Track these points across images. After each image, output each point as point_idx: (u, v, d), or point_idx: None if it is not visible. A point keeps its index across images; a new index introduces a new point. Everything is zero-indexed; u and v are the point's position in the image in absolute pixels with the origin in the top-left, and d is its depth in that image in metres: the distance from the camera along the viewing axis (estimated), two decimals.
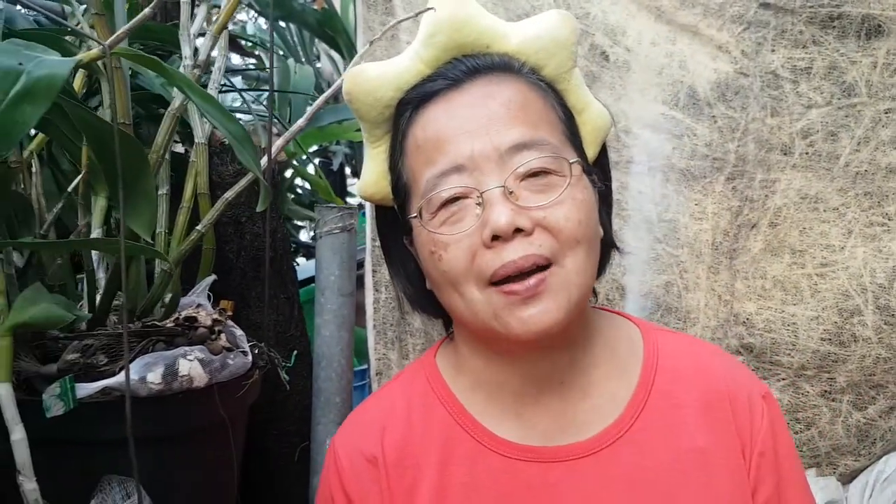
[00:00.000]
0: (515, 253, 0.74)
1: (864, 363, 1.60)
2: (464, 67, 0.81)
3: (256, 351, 1.05)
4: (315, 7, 2.06)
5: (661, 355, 0.89)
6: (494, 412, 0.86)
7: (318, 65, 2.60)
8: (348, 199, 2.73)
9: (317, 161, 2.54)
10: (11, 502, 0.88)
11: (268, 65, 1.95)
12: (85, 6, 1.13)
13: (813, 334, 1.62)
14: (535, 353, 0.83)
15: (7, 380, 0.78)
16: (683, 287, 1.69)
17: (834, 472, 1.70)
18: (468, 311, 0.79)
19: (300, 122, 1.01)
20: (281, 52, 2.39)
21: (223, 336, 0.99)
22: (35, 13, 1.23)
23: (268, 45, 2.33)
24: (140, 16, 0.74)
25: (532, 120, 0.79)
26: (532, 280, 0.74)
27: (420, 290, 0.89)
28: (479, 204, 0.75)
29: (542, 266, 0.75)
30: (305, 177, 1.87)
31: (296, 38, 2.52)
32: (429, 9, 0.83)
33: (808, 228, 1.61)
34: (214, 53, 1.12)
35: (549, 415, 0.85)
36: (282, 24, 2.32)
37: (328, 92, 1.05)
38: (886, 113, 1.56)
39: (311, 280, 1.51)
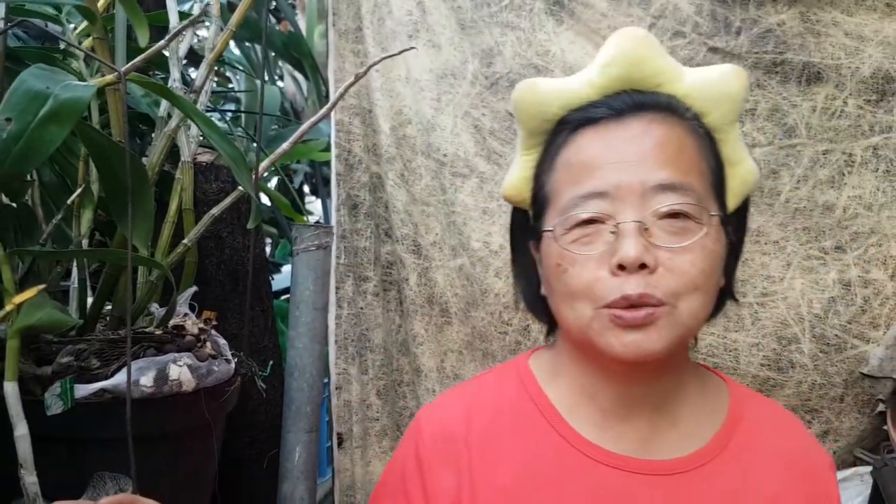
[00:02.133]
0: (634, 289, 0.79)
1: (800, 388, 1.76)
2: (629, 101, 0.85)
3: (236, 360, 1.14)
4: (280, 29, 2.16)
5: (745, 404, 0.95)
6: (582, 418, 0.92)
7: (281, 84, 2.70)
8: (307, 217, 2.83)
9: (274, 179, 2.64)
10: (10, 496, 0.96)
11: (235, 84, 2.05)
12: (74, 27, 1.22)
13: (753, 360, 1.77)
14: (629, 375, 0.88)
15: (14, 378, 0.86)
16: None
17: None
18: (576, 325, 0.85)
19: (285, 145, 1.12)
20: (244, 72, 2.49)
21: (208, 344, 1.08)
22: (25, 32, 1.31)
23: (236, 64, 2.43)
24: (156, 46, 0.84)
25: (684, 165, 0.83)
26: (641, 313, 0.79)
27: (535, 293, 0.95)
28: (613, 232, 0.80)
29: (655, 304, 0.80)
30: (268, 193, 1.97)
31: (260, 58, 2.62)
32: (411, 48, 0.94)
33: (749, 260, 1.77)
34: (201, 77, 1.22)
35: (635, 434, 0.90)
36: (247, 44, 2.42)
37: (321, 112, 1.16)
38: (824, 154, 1.73)
39: (278, 294, 1.60)
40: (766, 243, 1.76)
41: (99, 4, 1.12)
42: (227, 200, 1.10)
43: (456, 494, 0.92)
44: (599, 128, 0.86)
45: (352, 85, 1.02)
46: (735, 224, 0.92)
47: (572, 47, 1.81)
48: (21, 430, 0.86)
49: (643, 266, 0.79)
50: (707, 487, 0.88)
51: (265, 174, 2.35)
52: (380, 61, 1.08)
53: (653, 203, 0.81)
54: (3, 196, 0.95)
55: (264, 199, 1.95)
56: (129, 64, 0.84)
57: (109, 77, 0.86)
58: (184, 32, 1.28)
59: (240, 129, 2.19)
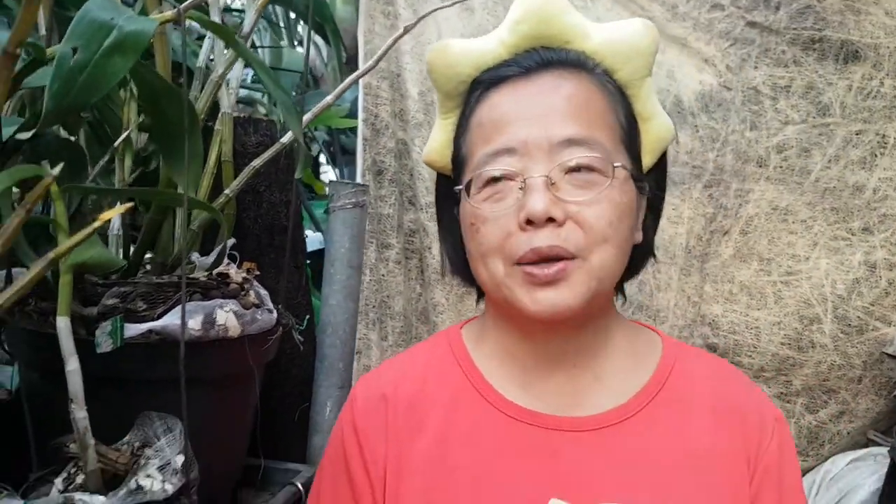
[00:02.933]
0: (543, 241, 0.81)
1: (819, 368, 1.78)
2: (538, 58, 0.87)
3: (279, 311, 1.16)
4: None
5: (678, 360, 0.95)
6: (505, 378, 0.94)
7: (300, 49, 2.70)
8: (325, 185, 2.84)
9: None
10: (40, 432, 0.97)
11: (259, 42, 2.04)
12: None
13: (774, 338, 1.79)
14: (547, 333, 0.90)
15: (66, 314, 0.87)
16: (655, 287, 1.85)
17: None
18: (491, 283, 0.87)
19: (328, 98, 1.12)
20: (267, 34, 2.48)
21: (252, 293, 1.09)
22: None
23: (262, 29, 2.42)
24: None
25: (590, 119, 0.84)
26: (553, 269, 0.81)
27: (462, 258, 0.96)
28: (521, 188, 0.82)
29: (566, 257, 0.82)
30: None
31: (281, 23, 2.62)
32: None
33: (776, 238, 1.78)
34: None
35: (556, 391, 0.92)
36: (269, 7, 2.40)
37: (360, 71, 1.16)
38: (857, 134, 1.74)
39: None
40: (793, 222, 1.77)
41: None
42: (270, 152, 1.10)
43: (385, 459, 0.93)
44: (509, 86, 0.87)
45: (395, 42, 1.03)
46: (654, 181, 0.94)
47: (609, 15, 1.81)
48: (72, 364, 0.87)
49: (551, 220, 0.81)
50: (632, 441, 0.88)
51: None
52: (421, 19, 1.08)
53: (559, 158, 0.82)
54: (61, 130, 0.96)
55: None
56: (189, 1, 0.84)
57: (169, 13, 0.86)
58: None
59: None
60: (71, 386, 0.87)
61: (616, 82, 0.89)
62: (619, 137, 0.88)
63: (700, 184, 1.81)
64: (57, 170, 0.67)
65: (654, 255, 1.00)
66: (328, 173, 2.66)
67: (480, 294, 1.01)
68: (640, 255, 0.96)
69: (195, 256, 1.12)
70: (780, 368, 1.80)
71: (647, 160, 0.92)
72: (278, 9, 2.45)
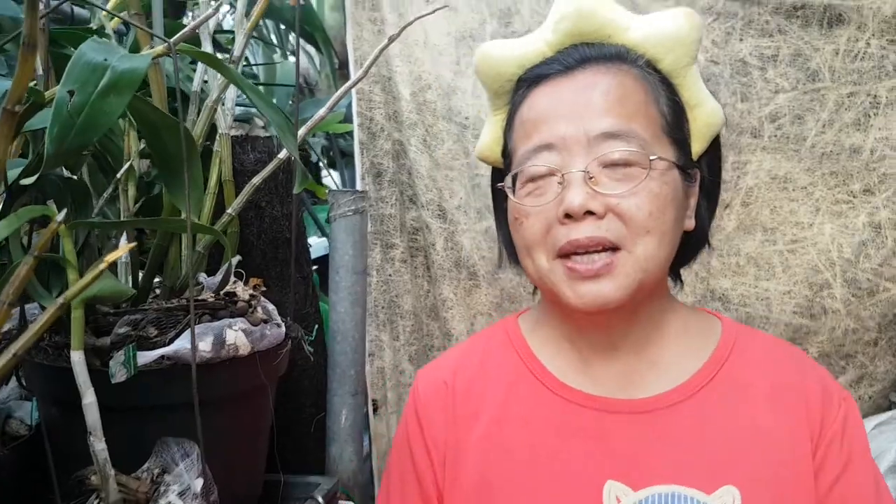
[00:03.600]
0: (582, 233, 0.85)
1: (833, 335, 1.80)
2: (577, 55, 0.91)
3: (287, 325, 1.19)
4: (290, 3, 2.19)
5: (738, 344, 0.97)
6: (562, 364, 0.98)
7: (293, 59, 2.73)
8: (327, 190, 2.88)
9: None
10: (63, 465, 1.01)
11: (252, 58, 2.07)
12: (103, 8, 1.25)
13: (785, 308, 1.81)
14: (596, 323, 0.94)
15: (80, 347, 0.91)
16: None
17: None
18: (536, 276, 0.92)
19: (321, 111, 1.15)
20: (259, 48, 2.52)
21: (259, 309, 1.13)
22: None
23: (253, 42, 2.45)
24: (201, 18, 0.88)
25: (627, 112, 0.87)
26: (597, 264, 0.85)
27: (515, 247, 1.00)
28: (560, 183, 0.86)
29: (610, 248, 0.86)
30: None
31: (273, 35, 2.65)
32: (444, 6, 0.97)
33: (778, 207, 1.80)
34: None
35: (613, 375, 0.95)
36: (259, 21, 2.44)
37: (350, 82, 1.18)
38: (849, 97, 1.76)
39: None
40: (793, 189, 1.79)
41: None
42: (269, 168, 1.14)
43: (446, 445, 0.99)
44: (550, 83, 0.92)
45: (381, 52, 1.05)
46: (707, 166, 0.97)
47: None
48: (89, 398, 0.91)
49: (591, 213, 0.84)
50: (686, 423, 0.91)
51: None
52: (411, 23, 1.10)
53: (596, 151, 0.86)
54: (63, 169, 0.99)
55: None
56: (179, 34, 0.88)
57: (160, 48, 0.90)
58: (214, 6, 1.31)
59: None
60: (88, 418, 0.91)
61: (661, 72, 0.93)
62: (661, 127, 0.90)
63: None
64: (62, 214, 0.71)
65: (710, 243, 1.03)
66: (329, 177, 2.70)
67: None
68: (693, 242, 0.99)
69: (203, 277, 1.15)
70: (794, 337, 1.82)
71: (697, 146, 0.95)
72: (269, 22, 2.48)
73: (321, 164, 2.45)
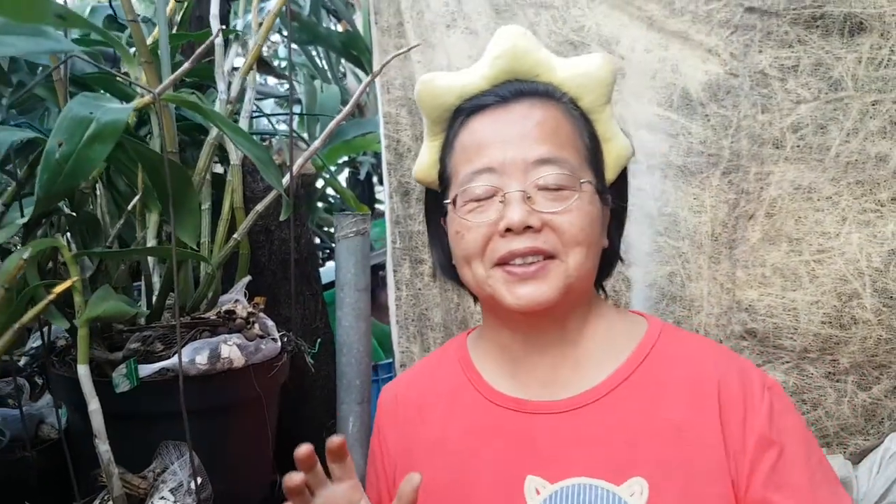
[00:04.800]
0: (520, 245, 0.95)
1: (865, 344, 1.77)
2: (513, 89, 1.02)
3: (285, 339, 1.30)
4: (339, 29, 2.32)
5: (659, 343, 1.06)
6: (497, 372, 1.08)
7: (345, 82, 2.87)
8: (377, 206, 3.01)
9: (346, 171, 2.82)
10: (85, 465, 1.14)
11: (297, 86, 2.21)
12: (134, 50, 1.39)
13: (814, 318, 1.79)
14: (530, 324, 1.03)
15: (85, 362, 1.04)
16: (686, 277, 1.88)
17: (844, 452, 1.84)
18: (475, 283, 1.02)
19: (316, 143, 1.26)
20: (309, 75, 2.66)
21: (257, 326, 1.24)
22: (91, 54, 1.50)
23: (295, 65, 2.61)
24: (181, 69, 1.00)
25: (559, 141, 0.99)
26: (532, 267, 0.96)
27: (450, 262, 1.10)
28: (501, 202, 0.96)
29: (545, 257, 0.96)
30: (335, 187, 2.13)
31: (323, 60, 2.79)
32: (417, 45, 1.06)
33: (803, 217, 1.79)
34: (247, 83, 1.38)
35: (540, 378, 1.05)
36: (309, 47, 2.59)
37: (342, 114, 1.29)
38: (873, 104, 1.73)
39: (330, 285, 1.77)
40: (818, 199, 1.78)
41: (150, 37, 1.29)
42: (268, 199, 1.26)
43: (397, 453, 1.11)
44: (488, 113, 1.02)
45: (368, 83, 1.15)
46: (616, 192, 1.08)
47: (607, 20, 1.87)
48: (93, 405, 1.04)
49: (529, 228, 0.94)
50: (603, 420, 0.99)
51: (334, 168, 2.53)
52: (388, 61, 1.20)
53: (534, 175, 0.96)
54: (66, 208, 1.14)
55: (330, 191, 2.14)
56: (161, 86, 1.00)
57: (147, 98, 1.02)
58: (230, 47, 1.43)
59: (280, 128, 2.35)
60: (94, 423, 1.04)
61: (580, 109, 1.04)
62: (584, 157, 1.02)
63: (718, 171, 1.83)
64: (27, 252, 0.83)
65: (621, 259, 1.14)
66: (382, 192, 2.83)
67: (476, 297, 1.13)
68: (608, 259, 1.10)
69: (234, 295, 1.28)
70: (824, 348, 1.80)
71: (610, 175, 1.07)
72: (319, 48, 2.63)
73: (373, 180, 2.56)
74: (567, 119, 1.01)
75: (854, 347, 1.78)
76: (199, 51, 0.95)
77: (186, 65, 0.98)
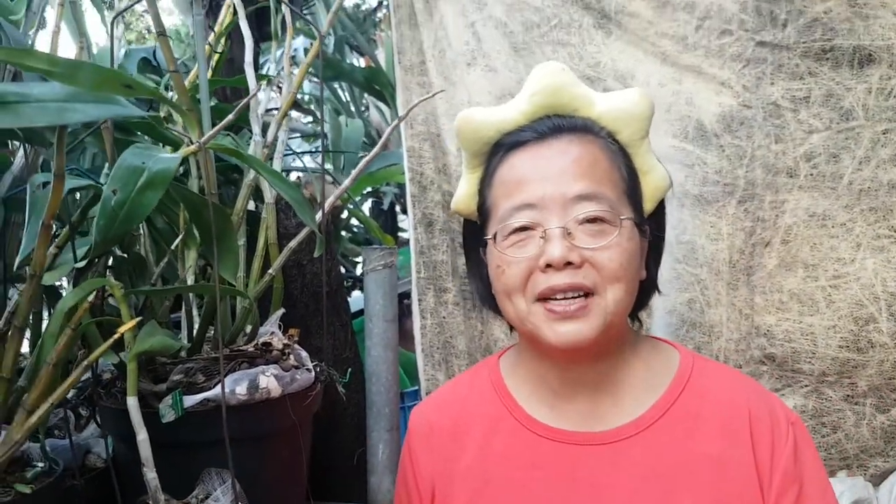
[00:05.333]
0: (561, 280, 0.97)
1: (882, 367, 1.80)
2: (551, 125, 1.03)
3: (318, 369, 1.36)
4: (363, 64, 2.40)
5: (693, 376, 1.08)
6: (534, 401, 1.10)
7: (367, 114, 2.95)
8: (400, 234, 3.08)
9: (370, 202, 2.89)
10: (132, 493, 1.20)
11: (323, 122, 2.29)
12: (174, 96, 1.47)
13: (831, 342, 1.83)
14: (569, 361, 1.05)
15: (133, 394, 1.11)
16: (705, 303, 1.93)
17: (864, 474, 1.87)
18: (516, 318, 1.04)
19: (346, 182, 1.32)
20: (333, 109, 2.75)
21: (292, 357, 1.30)
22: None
23: (319, 101, 2.69)
24: (225, 121, 1.07)
25: (597, 177, 0.99)
26: (574, 306, 0.97)
27: (488, 291, 1.12)
28: (542, 237, 0.98)
29: (584, 294, 0.98)
30: (359, 217, 2.19)
31: (346, 95, 2.88)
32: (440, 91, 1.11)
33: (818, 244, 1.83)
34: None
35: (578, 410, 1.07)
36: (333, 82, 2.68)
37: (373, 152, 1.35)
38: (885, 133, 1.78)
39: (359, 313, 1.83)
40: (832, 226, 1.82)
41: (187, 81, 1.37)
42: (301, 235, 1.32)
43: (432, 477, 1.12)
44: (527, 149, 1.04)
45: (392, 131, 1.21)
46: (654, 223, 1.09)
47: (622, 56, 1.94)
48: (142, 435, 1.10)
49: (569, 264, 0.96)
50: (642, 454, 1.01)
51: (358, 198, 2.60)
52: (412, 108, 1.26)
53: (573, 211, 0.98)
54: (117, 249, 1.21)
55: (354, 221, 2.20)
56: (206, 136, 1.07)
57: (193, 147, 1.09)
58: (263, 91, 1.51)
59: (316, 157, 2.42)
60: (142, 452, 1.10)
61: (618, 143, 1.05)
62: (623, 190, 1.03)
63: (734, 200, 1.88)
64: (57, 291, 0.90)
65: (659, 290, 1.15)
66: (405, 221, 2.89)
67: (512, 325, 1.15)
68: (646, 289, 1.11)
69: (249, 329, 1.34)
70: (842, 371, 1.83)
71: (648, 206, 1.08)
72: (343, 84, 2.72)
73: (396, 209, 2.63)
74: (605, 154, 1.02)
75: (872, 371, 1.82)
76: (240, 105, 1.02)
77: (230, 117, 1.05)
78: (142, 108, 1.47)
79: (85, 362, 0.95)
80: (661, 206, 1.11)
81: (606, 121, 1.04)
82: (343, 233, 2.78)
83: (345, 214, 2.60)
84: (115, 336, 0.91)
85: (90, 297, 0.94)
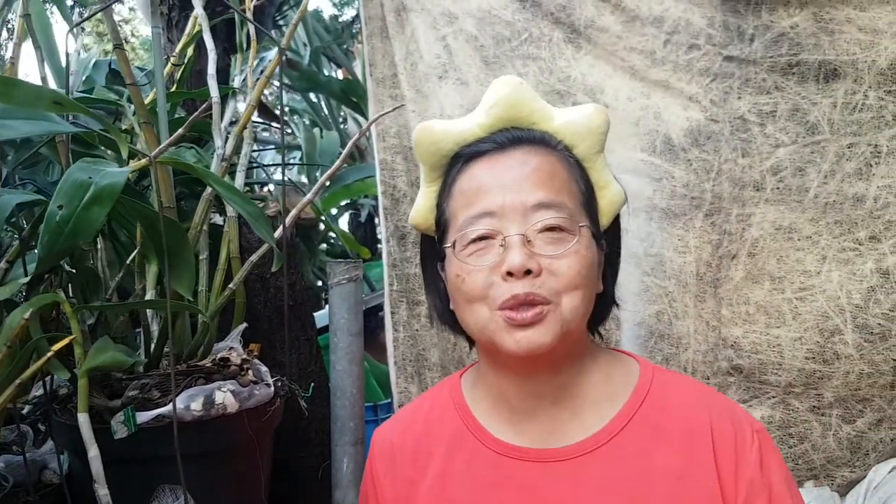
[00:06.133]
0: (522, 289, 0.94)
1: (848, 379, 1.79)
2: (510, 136, 1.02)
3: (279, 384, 1.33)
4: (340, 76, 2.38)
5: (653, 387, 1.06)
6: (495, 418, 1.07)
7: (344, 126, 2.93)
8: (379, 247, 3.05)
9: (347, 214, 2.87)
10: None
11: (294, 132, 2.26)
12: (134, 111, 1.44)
13: (797, 354, 1.82)
14: (528, 370, 1.03)
15: (84, 410, 1.08)
16: (673, 315, 1.91)
17: (831, 484, 1.86)
18: (476, 327, 1.00)
19: (308, 195, 1.30)
20: (306, 121, 2.73)
21: (251, 372, 1.28)
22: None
23: (297, 112, 2.66)
24: (175, 135, 1.04)
25: (556, 187, 0.98)
26: (530, 313, 0.94)
27: (446, 308, 1.09)
28: (501, 245, 0.96)
29: (543, 302, 0.96)
30: (334, 231, 2.17)
31: (324, 106, 2.86)
32: (400, 105, 1.09)
33: (784, 257, 1.82)
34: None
35: (539, 427, 1.04)
36: (312, 96, 2.66)
37: (334, 166, 1.32)
38: (849, 147, 1.77)
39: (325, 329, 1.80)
40: (798, 239, 1.81)
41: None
42: (261, 250, 1.29)
43: (395, 501, 1.10)
44: (486, 159, 1.02)
45: (354, 143, 1.18)
46: (610, 238, 1.07)
47: (592, 70, 1.92)
48: (93, 451, 1.07)
49: (528, 272, 0.94)
50: (603, 468, 0.99)
51: (335, 211, 2.58)
52: (374, 121, 1.23)
53: (532, 219, 0.96)
54: (66, 265, 1.18)
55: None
56: (156, 150, 1.04)
57: (143, 161, 1.06)
58: (226, 105, 1.48)
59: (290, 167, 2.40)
60: (93, 469, 1.07)
61: (575, 156, 1.04)
62: (581, 202, 1.02)
63: (701, 213, 1.87)
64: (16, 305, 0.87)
65: (617, 304, 1.13)
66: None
67: (471, 342, 1.13)
68: (603, 303, 1.08)
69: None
70: (808, 383, 1.82)
71: (604, 221, 1.06)
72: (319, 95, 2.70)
73: (375, 221, 2.61)
74: (563, 165, 1.02)
75: (837, 382, 1.81)
76: (192, 118, 0.99)
77: (180, 131, 1.03)
78: (106, 121, 1.45)
79: (17, 380, 0.92)
80: (616, 223, 1.10)
81: (564, 134, 1.04)
82: (322, 245, 2.75)
83: (322, 226, 2.58)
84: (49, 354, 0.88)
85: (26, 315, 0.90)
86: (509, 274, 0.95)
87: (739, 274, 1.86)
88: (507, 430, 1.06)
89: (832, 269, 1.79)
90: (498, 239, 0.97)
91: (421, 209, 1.12)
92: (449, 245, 1.03)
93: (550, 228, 0.96)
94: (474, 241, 0.99)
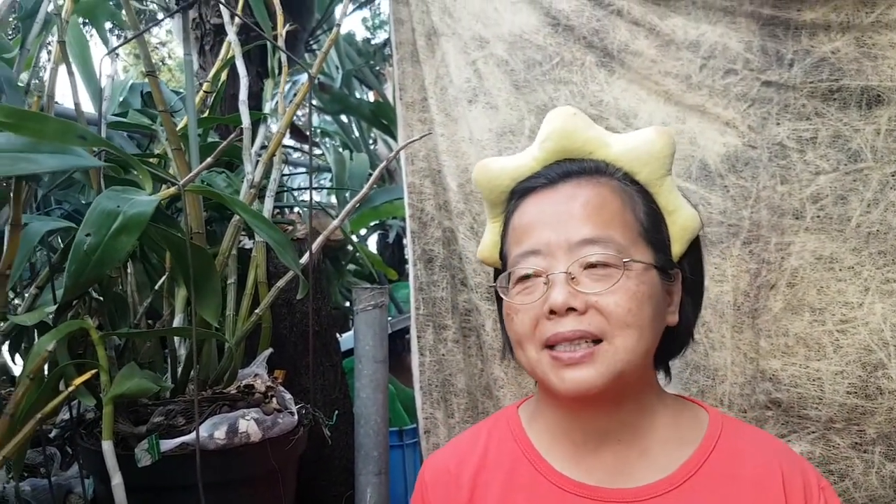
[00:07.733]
0: (566, 327, 0.94)
1: (892, 415, 1.75)
2: (560, 170, 1.03)
3: (304, 411, 1.34)
4: (371, 98, 2.41)
5: (723, 434, 1.05)
6: (558, 453, 1.06)
7: (374, 147, 2.96)
8: (406, 267, 3.07)
9: (376, 235, 2.89)
10: None
11: (325, 153, 2.29)
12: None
13: (839, 388, 1.78)
14: (586, 409, 1.02)
15: (109, 438, 1.10)
16: (710, 346, 1.89)
17: None
18: (527, 365, 1.01)
19: (335, 223, 1.32)
20: (336, 143, 2.76)
21: (275, 399, 1.29)
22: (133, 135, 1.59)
23: (328, 134, 2.70)
24: (204, 164, 1.06)
25: (604, 220, 0.97)
26: (578, 353, 0.94)
27: None
28: (545, 283, 0.97)
29: (593, 340, 0.95)
30: (363, 252, 2.19)
31: (355, 128, 2.89)
32: (428, 133, 1.10)
33: (825, 287, 1.79)
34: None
35: (604, 465, 1.03)
36: (344, 118, 2.70)
37: (364, 189, 1.34)
38: (894, 175, 1.74)
39: (349, 352, 1.81)
40: (840, 269, 1.78)
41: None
42: (288, 276, 1.31)
43: None
44: (536, 195, 1.03)
45: (383, 168, 1.20)
46: (688, 266, 1.05)
47: (625, 94, 1.92)
48: (116, 479, 1.09)
49: (573, 310, 0.94)
50: None
51: (364, 231, 2.59)
52: (403, 147, 1.25)
53: (577, 255, 0.96)
54: (94, 292, 1.20)
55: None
56: (185, 178, 1.06)
57: (172, 190, 1.09)
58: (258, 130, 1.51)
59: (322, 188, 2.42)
60: (116, 497, 1.09)
61: (638, 183, 1.04)
62: (638, 232, 1.00)
63: (738, 241, 1.85)
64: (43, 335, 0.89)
65: (693, 337, 1.10)
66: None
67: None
68: (678, 336, 1.06)
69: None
70: (849, 418, 1.79)
71: (677, 248, 1.04)
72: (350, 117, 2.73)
73: (403, 243, 2.62)
74: (616, 195, 1.00)
75: (881, 418, 1.77)
76: (221, 147, 1.02)
77: (209, 160, 1.05)
78: (130, 156, 1.48)
79: (39, 414, 0.94)
80: (693, 247, 1.06)
81: (623, 162, 1.03)
82: (350, 266, 2.77)
83: (350, 247, 2.60)
84: (74, 386, 0.90)
85: (49, 347, 0.93)
86: (552, 312, 0.94)
87: (778, 304, 1.83)
88: (571, 467, 1.04)
89: (875, 301, 1.76)
90: (543, 277, 0.97)
91: (487, 244, 1.13)
92: (499, 283, 1.04)
93: (596, 265, 0.95)
94: (522, 279, 1.00)
